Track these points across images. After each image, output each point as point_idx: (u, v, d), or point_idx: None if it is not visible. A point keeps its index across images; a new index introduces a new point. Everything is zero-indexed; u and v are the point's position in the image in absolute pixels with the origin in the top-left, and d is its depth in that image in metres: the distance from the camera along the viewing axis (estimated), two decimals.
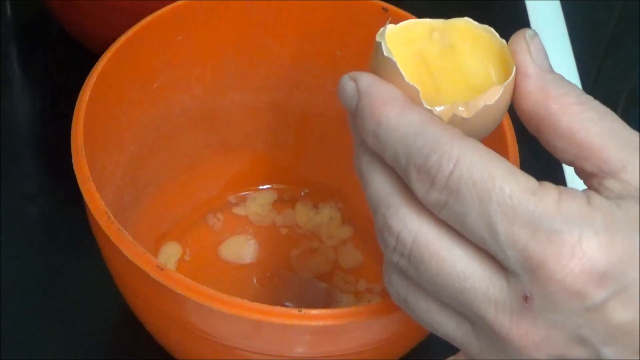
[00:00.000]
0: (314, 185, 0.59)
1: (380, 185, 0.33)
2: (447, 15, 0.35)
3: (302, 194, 0.59)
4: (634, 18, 0.95)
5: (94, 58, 0.46)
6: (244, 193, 0.59)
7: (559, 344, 0.30)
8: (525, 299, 0.30)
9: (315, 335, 0.39)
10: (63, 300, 0.54)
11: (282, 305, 0.38)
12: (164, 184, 0.55)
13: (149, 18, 0.48)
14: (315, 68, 0.54)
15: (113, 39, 0.47)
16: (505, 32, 0.35)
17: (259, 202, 0.58)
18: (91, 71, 0.45)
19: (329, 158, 0.58)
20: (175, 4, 0.49)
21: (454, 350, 0.55)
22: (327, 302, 0.54)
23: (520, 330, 0.30)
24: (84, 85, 0.44)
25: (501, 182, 0.30)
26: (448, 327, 0.33)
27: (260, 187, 0.59)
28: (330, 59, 0.53)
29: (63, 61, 0.68)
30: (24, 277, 0.55)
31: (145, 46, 0.48)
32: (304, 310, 0.37)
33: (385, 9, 0.49)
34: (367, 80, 0.33)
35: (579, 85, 0.71)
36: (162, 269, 0.38)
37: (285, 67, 0.54)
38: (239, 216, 0.58)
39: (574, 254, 0.29)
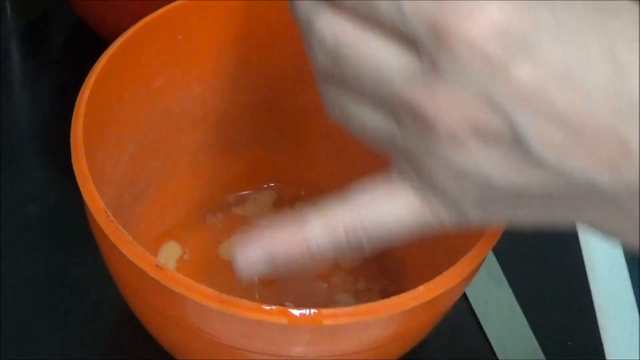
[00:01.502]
0: (314, 185, 0.59)
1: None
2: None
3: (302, 194, 0.59)
4: None
5: (94, 59, 0.46)
6: (243, 193, 0.59)
7: (470, 108, 0.30)
8: (435, 67, 0.31)
9: (315, 335, 0.39)
10: (63, 300, 0.54)
11: (282, 305, 0.37)
12: (164, 183, 0.55)
13: (148, 18, 0.48)
14: None
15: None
16: None
17: (258, 202, 0.58)
18: (91, 71, 0.45)
19: (329, 158, 0.58)
20: (175, 3, 0.49)
21: (454, 351, 0.55)
22: (327, 302, 0.54)
23: (434, 100, 0.31)
24: (83, 85, 0.44)
25: None
26: (377, 125, 0.34)
27: (260, 187, 0.59)
28: None
29: (63, 61, 0.68)
30: (24, 277, 0.54)
31: (145, 46, 0.48)
32: (304, 310, 0.37)
33: None
34: None
35: None
36: (161, 269, 0.38)
37: (285, 67, 0.54)
38: (239, 216, 0.58)
39: (472, 15, 0.30)
